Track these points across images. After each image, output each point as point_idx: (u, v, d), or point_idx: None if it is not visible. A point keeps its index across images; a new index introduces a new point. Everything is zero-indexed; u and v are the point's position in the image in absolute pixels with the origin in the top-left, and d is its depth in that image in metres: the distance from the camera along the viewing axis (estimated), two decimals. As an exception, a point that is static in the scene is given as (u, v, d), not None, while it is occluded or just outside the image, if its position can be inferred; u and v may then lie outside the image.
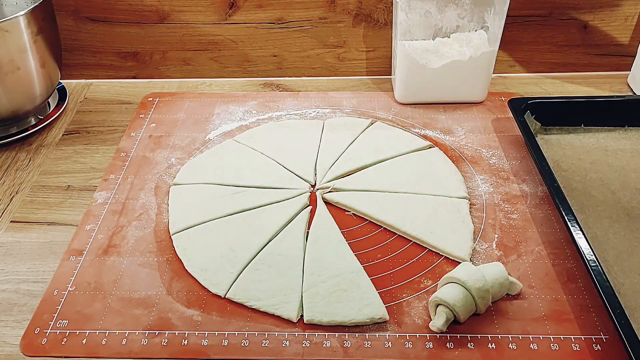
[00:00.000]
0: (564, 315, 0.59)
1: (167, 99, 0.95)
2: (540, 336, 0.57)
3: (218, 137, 0.86)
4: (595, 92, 0.95)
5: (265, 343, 0.58)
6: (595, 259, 0.58)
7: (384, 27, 0.96)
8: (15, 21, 0.77)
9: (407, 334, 0.58)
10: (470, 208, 0.72)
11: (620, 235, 0.66)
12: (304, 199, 0.73)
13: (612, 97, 0.85)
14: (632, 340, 0.51)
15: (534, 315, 0.59)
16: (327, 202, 0.74)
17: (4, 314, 0.62)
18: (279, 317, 0.60)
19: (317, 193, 0.75)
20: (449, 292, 0.57)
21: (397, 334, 0.58)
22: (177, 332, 0.59)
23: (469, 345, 0.57)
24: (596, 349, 0.56)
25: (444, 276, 0.60)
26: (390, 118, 0.89)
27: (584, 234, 0.61)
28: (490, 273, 0.58)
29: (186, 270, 0.65)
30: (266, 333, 0.58)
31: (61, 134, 0.88)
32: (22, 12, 0.77)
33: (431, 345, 0.57)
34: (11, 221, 0.73)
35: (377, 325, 0.59)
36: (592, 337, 0.57)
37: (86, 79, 1.02)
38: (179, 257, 0.67)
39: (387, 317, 0.59)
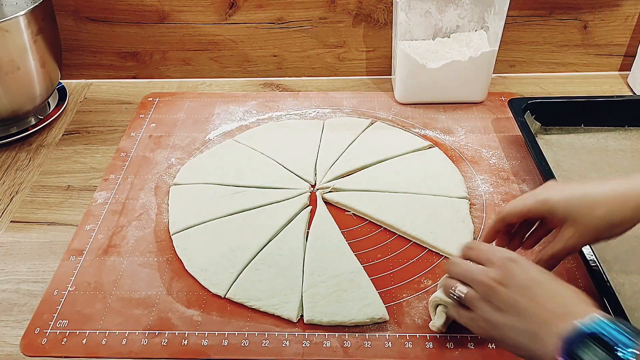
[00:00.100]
0: (564, 315, 0.59)
1: (167, 99, 0.95)
2: (540, 336, 0.57)
3: (218, 137, 0.86)
4: (595, 92, 0.95)
5: (265, 343, 0.58)
6: (595, 259, 0.58)
7: (384, 27, 0.96)
8: (15, 21, 0.77)
9: (407, 334, 0.58)
10: (470, 208, 0.72)
11: (620, 235, 0.66)
12: (304, 199, 0.73)
13: (612, 97, 0.85)
14: (632, 340, 0.51)
15: (534, 315, 0.59)
16: (327, 202, 0.74)
17: (4, 314, 0.62)
18: (279, 317, 0.60)
19: (317, 193, 0.75)
20: None
21: (397, 334, 0.58)
22: (177, 332, 0.59)
23: (469, 345, 0.57)
24: (596, 349, 0.56)
25: (443, 276, 0.60)
26: (390, 118, 0.89)
27: (584, 234, 0.61)
28: None
29: (186, 270, 0.65)
30: (266, 333, 0.58)
31: (61, 134, 0.88)
32: (22, 12, 0.77)
33: (431, 345, 0.57)
34: (11, 221, 0.73)
35: (377, 325, 0.59)
36: (592, 337, 0.57)
37: (86, 79, 1.02)
38: (179, 257, 0.67)
39: (387, 317, 0.59)
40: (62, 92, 0.96)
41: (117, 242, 0.69)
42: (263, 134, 0.85)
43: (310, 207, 0.73)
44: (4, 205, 0.76)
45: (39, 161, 0.83)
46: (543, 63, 1.00)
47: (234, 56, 1.00)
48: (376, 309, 0.59)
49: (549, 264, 0.50)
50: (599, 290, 0.56)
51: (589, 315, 0.41)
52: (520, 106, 0.82)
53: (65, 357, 0.57)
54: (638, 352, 0.38)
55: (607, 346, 0.39)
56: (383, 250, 0.67)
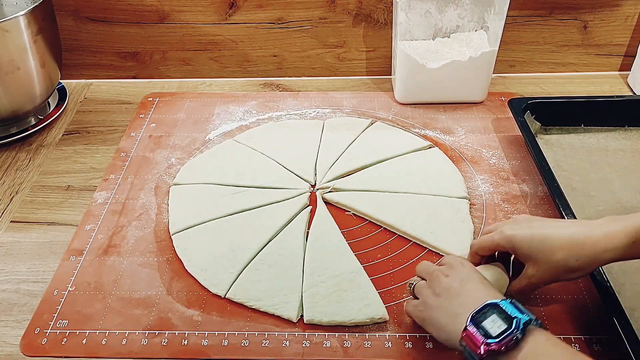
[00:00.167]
0: (564, 315, 0.59)
1: (167, 99, 0.95)
2: (540, 336, 0.57)
3: (218, 137, 0.86)
4: (595, 92, 0.95)
5: (265, 343, 0.58)
6: (595, 259, 0.58)
7: (384, 27, 0.96)
8: (15, 21, 0.77)
9: (407, 334, 0.58)
10: (470, 208, 0.72)
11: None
12: (304, 199, 0.73)
13: (612, 97, 0.85)
14: (632, 340, 0.51)
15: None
16: (327, 202, 0.74)
17: (4, 314, 0.62)
18: (279, 317, 0.60)
19: (317, 193, 0.75)
20: None
21: (397, 334, 0.58)
22: (177, 332, 0.59)
23: (469, 345, 0.56)
24: (596, 349, 0.56)
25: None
26: (390, 118, 0.89)
27: (584, 234, 0.61)
28: (489, 275, 0.58)
29: (186, 270, 0.65)
30: (266, 333, 0.58)
31: (61, 134, 0.88)
32: (22, 12, 0.77)
33: (431, 345, 0.57)
34: (11, 221, 0.73)
35: (377, 325, 0.59)
36: (592, 337, 0.57)
37: (86, 79, 1.02)
38: (179, 257, 0.67)
39: (387, 317, 0.59)
40: (62, 92, 0.96)
41: (117, 242, 0.69)
42: (263, 134, 0.85)
43: (310, 207, 0.73)
44: (4, 205, 0.76)
45: (39, 161, 0.83)
46: (543, 63, 1.00)
47: (234, 56, 1.00)
48: (376, 309, 0.59)
49: (519, 298, 0.52)
50: (599, 290, 0.56)
51: (498, 298, 0.48)
52: (520, 106, 0.82)
53: (65, 357, 0.57)
54: (532, 317, 0.45)
55: (505, 314, 0.46)
56: (383, 250, 0.67)
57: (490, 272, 0.58)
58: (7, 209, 0.75)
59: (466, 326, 0.47)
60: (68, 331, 0.59)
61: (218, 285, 0.63)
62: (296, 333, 0.58)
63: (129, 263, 0.66)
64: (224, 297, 0.62)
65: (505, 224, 0.58)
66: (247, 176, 0.77)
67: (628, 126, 0.82)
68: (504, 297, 0.48)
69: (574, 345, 0.56)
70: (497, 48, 0.86)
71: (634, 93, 0.94)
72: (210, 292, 0.63)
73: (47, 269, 0.66)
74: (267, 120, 0.89)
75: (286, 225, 0.70)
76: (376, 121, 0.88)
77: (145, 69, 1.01)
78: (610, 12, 0.94)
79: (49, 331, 0.59)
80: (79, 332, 0.59)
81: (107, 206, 0.74)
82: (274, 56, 1.00)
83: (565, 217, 0.63)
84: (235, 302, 0.61)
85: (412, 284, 0.57)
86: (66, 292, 0.63)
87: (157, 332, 0.59)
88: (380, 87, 0.98)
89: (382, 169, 0.78)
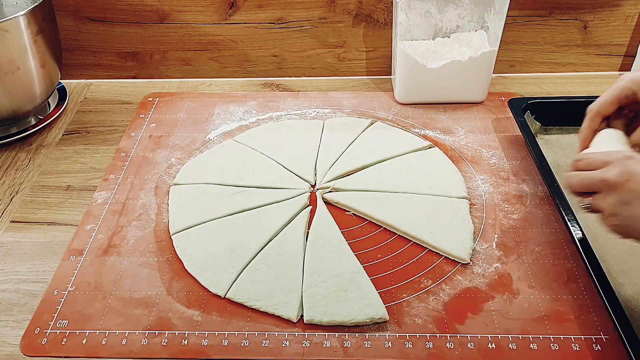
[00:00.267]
0: (564, 315, 0.59)
1: (167, 99, 0.95)
2: (540, 336, 0.57)
3: (218, 137, 0.86)
4: (595, 92, 0.95)
5: (265, 343, 0.58)
6: (595, 259, 0.58)
7: (384, 27, 0.96)
8: (15, 21, 0.77)
9: (407, 334, 0.58)
10: (470, 208, 0.72)
11: (620, 235, 0.66)
12: (304, 199, 0.73)
13: (612, 97, 0.85)
14: (632, 340, 0.51)
15: (534, 315, 0.59)
16: (327, 202, 0.74)
17: (4, 314, 0.62)
18: (279, 317, 0.60)
19: (317, 193, 0.75)
20: None
21: (397, 334, 0.58)
22: (177, 332, 0.59)
23: (469, 345, 0.57)
24: (596, 349, 0.56)
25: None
26: (390, 118, 0.89)
27: (584, 234, 0.61)
28: (621, 138, 0.57)
29: (186, 270, 0.65)
30: (266, 333, 0.58)
31: (61, 134, 0.88)
32: (22, 12, 0.77)
33: (431, 345, 0.57)
34: (11, 221, 0.73)
35: (377, 325, 0.59)
36: (592, 337, 0.57)
37: (86, 79, 1.02)
38: (179, 257, 0.67)
39: (387, 317, 0.59)
40: (62, 92, 0.96)
41: (117, 242, 0.69)
42: (263, 134, 0.85)
43: (310, 207, 0.73)
44: (4, 205, 0.76)
45: (39, 161, 0.83)
46: (543, 63, 1.00)
47: (234, 56, 1.00)
48: (376, 309, 0.59)
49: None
50: (599, 290, 0.56)
51: None
52: (520, 106, 0.82)
53: (65, 357, 0.57)
54: None
55: None
56: (383, 250, 0.67)
57: (619, 134, 0.57)
58: (7, 209, 0.75)
59: None
60: (68, 331, 0.59)
61: (218, 285, 0.63)
62: (296, 333, 0.58)
63: (129, 263, 0.66)
64: (224, 297, 0.62)
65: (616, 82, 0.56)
66: (247, 176, 0.77)
67: (628, 126, 0.82)
68: None
69: (574, 345, 0.56)
70: (497, 48, 0.86)
71: (634, 93, 0.94)
72: (210, 292, 0.63)
73: (47, 269, 0.66)
74: (267, 120, 0.89)
75: (286, 225, 0.70)
76: (376, 121, 0.88)
77: (145, 69, 1.02)
78: (610, 12, 0.94)
79: (49, 331, 0.59)
80: (79, 332, 0.59)
81: (107, 206, 0.74)
82: (274, 56, 1.00)
83: (565, 217, 0.63)
84: (235, 302, 0.61)
85: (586, 205, 0.53)
86: (66, 292, 0.63)
87: (157, 332, 0.59)
88: (380, 87, 0.98)
89: (382, 169, 0.78)
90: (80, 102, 0.96)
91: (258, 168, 0.78)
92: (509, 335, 0.57)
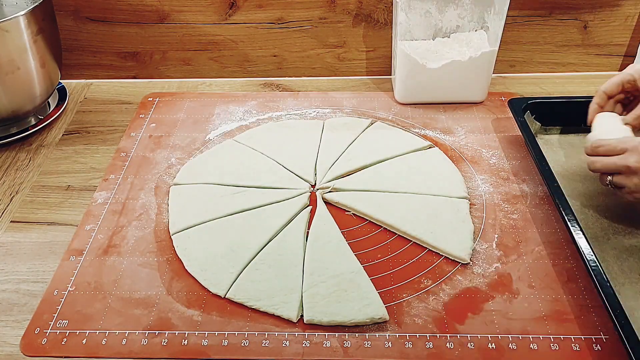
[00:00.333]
0: (564, 315, 0.59)
1: (167, 99, 0.95)
2: (540, 336, 0.57)
3: (218, 137, 0.86)
4: (595, 92, 0.95)
5: (265, 343, 0.58)
6: (595, 259, 0.58)
7: (384, 27, 0.96)
8: (15, 21, 0.77)
9: (407, 334, 0.58)
10: (470, 208, 0.72)
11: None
12: (304, 199, 0.73)
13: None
14: (632, 340, 0.51)
15: (534, 315, 0.59)
16: (327, 202, 0.74)
17: (4, 314, 0.62)
18: (279, 317, 0.60)
19: (317, 193, 0.75)
20: None
21: (397, 334, 0.58)
22: (177, 332, 0.59)
23: (469, 345, 0.57)
24: (596, 349, 0.56)
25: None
26: (390, 118, 0.89)
27: (584, 234, 0.61)
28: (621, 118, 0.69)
29: (186, 270, 0.65)
30: (266, 333, 0.58)
31: (61, 134, 0.88)
32: (22, 12, 0.77)
33: (431, 345, 0.57)
34: (11, 221, 0.73)
35: (377, 325, 0.59)
36: (592, 337, 0.57)
37: (86, 79, 1.02)
38: (179, 257, 0.67)
39: (387, 317, 0.59)
40: (62, 92, 0.96)
41: (117, 242, 0.69)
42: (263, 134, 0.85)
43: (310, 207, 0.73)
44: (4, 205, 0.76)
45: (39, 161, 0.83)
46: (543, 63, 1.00)
47: (234, 56, 1.00)
48: (376, 309, 0.59)
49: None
50: (599, 290, 0.56)
51: None
52: (520, 106, 0.82)
53: (65, 357, 0.57)
54: None
55: None
56: (383, 250, 0.67)
57: (615, 116, 0.69)
58: (7, 209, 0.75)
59: None
60: (68, 331, 0.59)
61: (218, 285, 0.63)
62: (296, 333, 0.58)
63: (129, 263, 0.66)
64: (224, 297, 0.62)
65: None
66: (247, 176, 0.77)
67: (628, 126, 0.82)
68: None
69: (574, 345, 0.56)
70: (497, 48, 0.86)
71: (634, 93, 0.94)
72: (210, 292, 0.63)
73: (47, 269, 0.66)
74: (267, 120, 0.89)
75: (286, 225, 0.70)
76: (376, 121, 0.88)
77: (145, 69, 1.02)
78: (610, 12, 0.94)
79: (49, 331, 0.59)
80: (79, 332, 0.59)
81: (107, 206, 0.74)
82: (274, 56, 1.00)
83: (566, 217, 0.63)
84: (235, 302, 0.61)
85: (611, 181, 0.63)
86: (66, 292, 0.63)
87: (157, 332, 0.59)
88: (380, 87, 0.98)
89: (382, 169, 0.78)
90: (80, 102, 0.96)
91: (258, 168, 0.78)
92: (509, 335, 0.57)
